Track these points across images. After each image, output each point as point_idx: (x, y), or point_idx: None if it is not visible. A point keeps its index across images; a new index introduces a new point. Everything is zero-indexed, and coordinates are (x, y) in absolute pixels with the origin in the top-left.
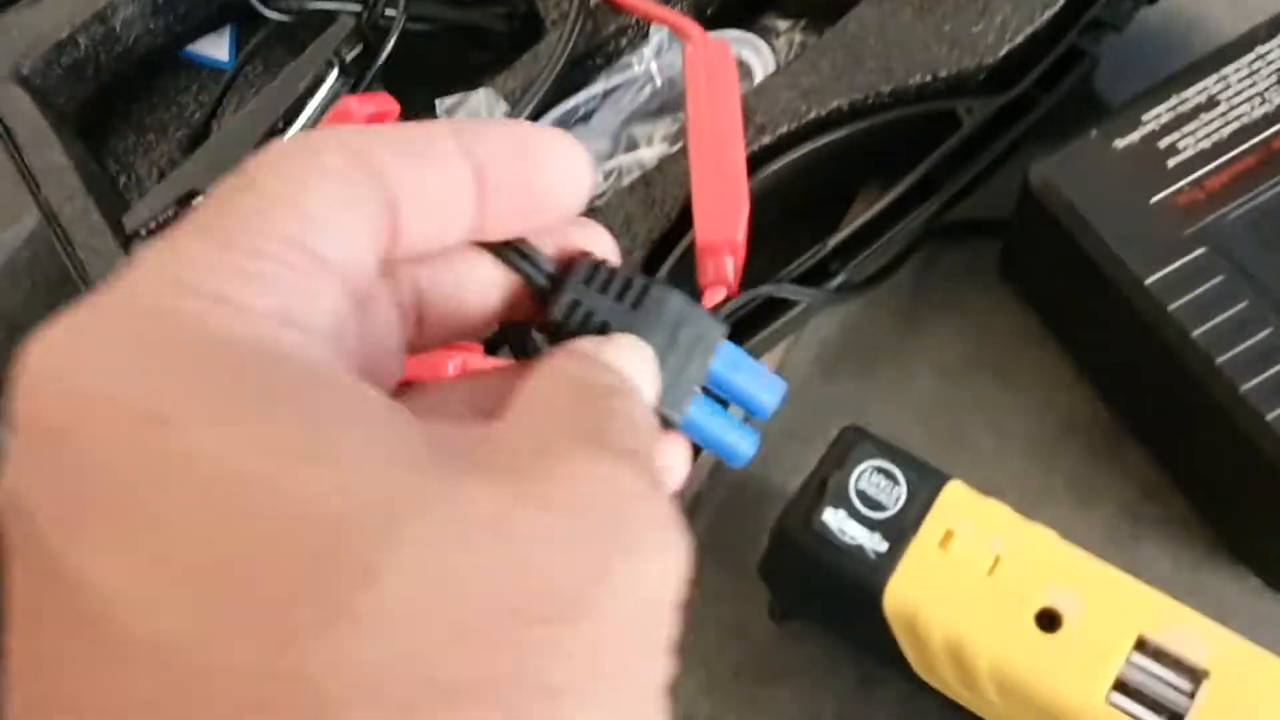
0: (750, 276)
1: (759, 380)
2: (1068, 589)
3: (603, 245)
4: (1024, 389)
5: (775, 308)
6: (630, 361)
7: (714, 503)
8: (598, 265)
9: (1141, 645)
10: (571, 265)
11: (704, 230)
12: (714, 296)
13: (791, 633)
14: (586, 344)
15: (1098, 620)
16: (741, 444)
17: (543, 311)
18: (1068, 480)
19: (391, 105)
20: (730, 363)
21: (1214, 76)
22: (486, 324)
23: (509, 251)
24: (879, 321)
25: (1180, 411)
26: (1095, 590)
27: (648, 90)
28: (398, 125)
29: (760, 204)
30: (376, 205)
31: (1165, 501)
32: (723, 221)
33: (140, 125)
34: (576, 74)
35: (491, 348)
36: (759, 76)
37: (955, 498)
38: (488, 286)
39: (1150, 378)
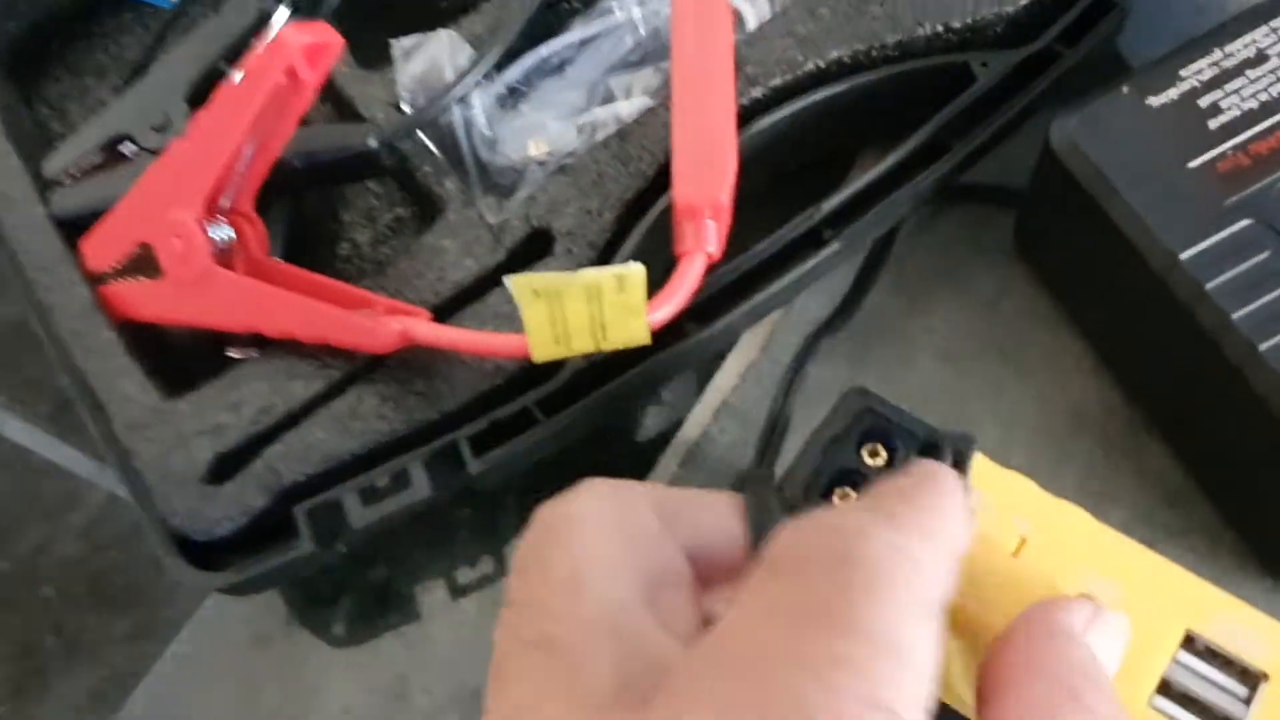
0: (735, 245)
1: None
2: (1105, 576)
3: None
4: (1034, 376)
5: (761, 278)
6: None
7: None
8: None
9: (1190, 643)
10: None
11: (684, 189)
12: (693, 265)
13: None
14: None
15: (1140, 613)
16: None
17: None
18: (1079, 479)
19: (332, 37)
20: None
21: (1263, 29)
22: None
23: None
24: (876, 298)
25: (1213, 405)
26: (1137, 578)
27: (629, 40)
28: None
29: (749, 164)
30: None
31: (1188, 507)
32: (706, 180)
33: (76, 67)
34: (551, 19)
35: (440, 317)
36: (752, 24)
37: (976, 470)
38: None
39: (1180, 366)
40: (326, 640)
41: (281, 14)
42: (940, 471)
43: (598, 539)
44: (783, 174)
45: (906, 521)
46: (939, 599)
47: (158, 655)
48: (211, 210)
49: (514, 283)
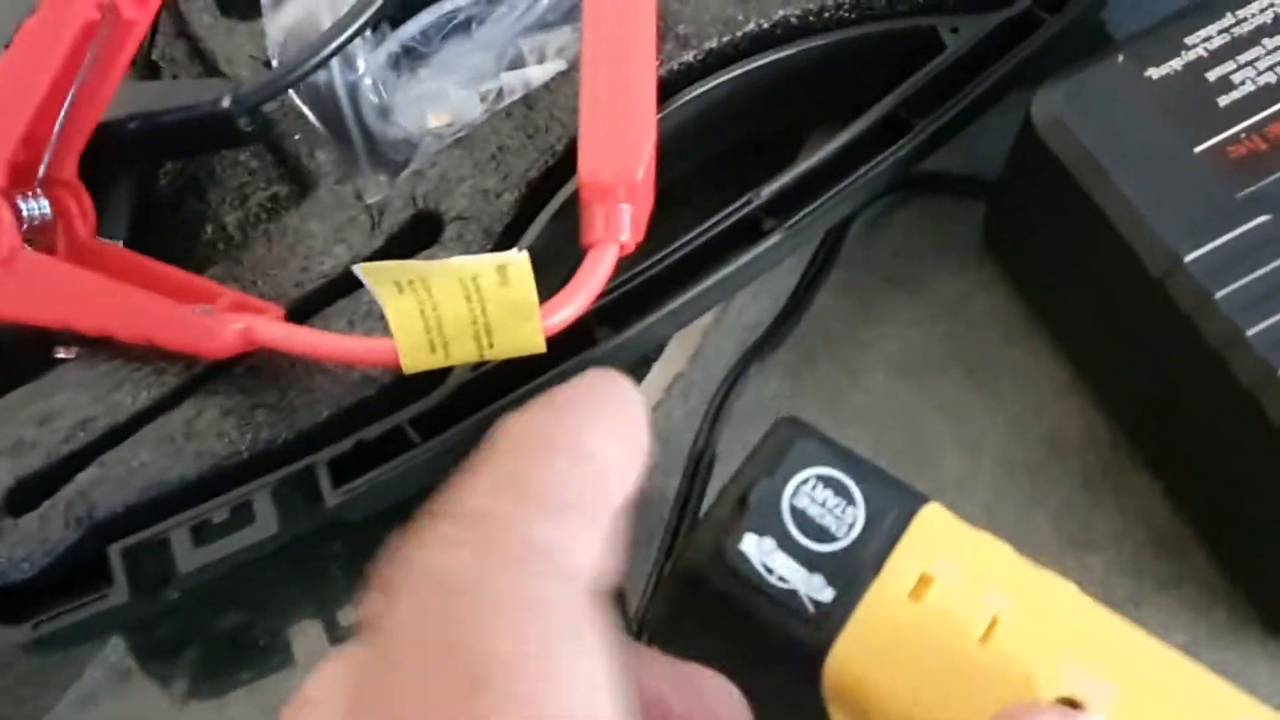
0: (661, 238)
1: None
2: (1095, 671)
3: None
4: (1003, 395)
5: (688, 274)
6: None
7: None
8: None
9: None
10: None
11: (592, 165)
12: (602, 258)
13: None
14: None
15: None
16: None
17: None
18: (1054, 519)
19: None
20: None
21: None
22: None
23: None
24: (821, 299)
25: (1217, 436)
26: (1139, 676)
27: None
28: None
29: (678, 141)
30: None
31: (1180, 553)
32: (618, 154)
33: None
34: None
35: (302, 313)
36: None
37: (935, 529)
38: None
39: (1178, 388)
40: (167, 698)
41: None
42: (594, 397)
43: None
44: (717, 155)
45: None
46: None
47: None
48: (25, 179)
49: (368, 273)
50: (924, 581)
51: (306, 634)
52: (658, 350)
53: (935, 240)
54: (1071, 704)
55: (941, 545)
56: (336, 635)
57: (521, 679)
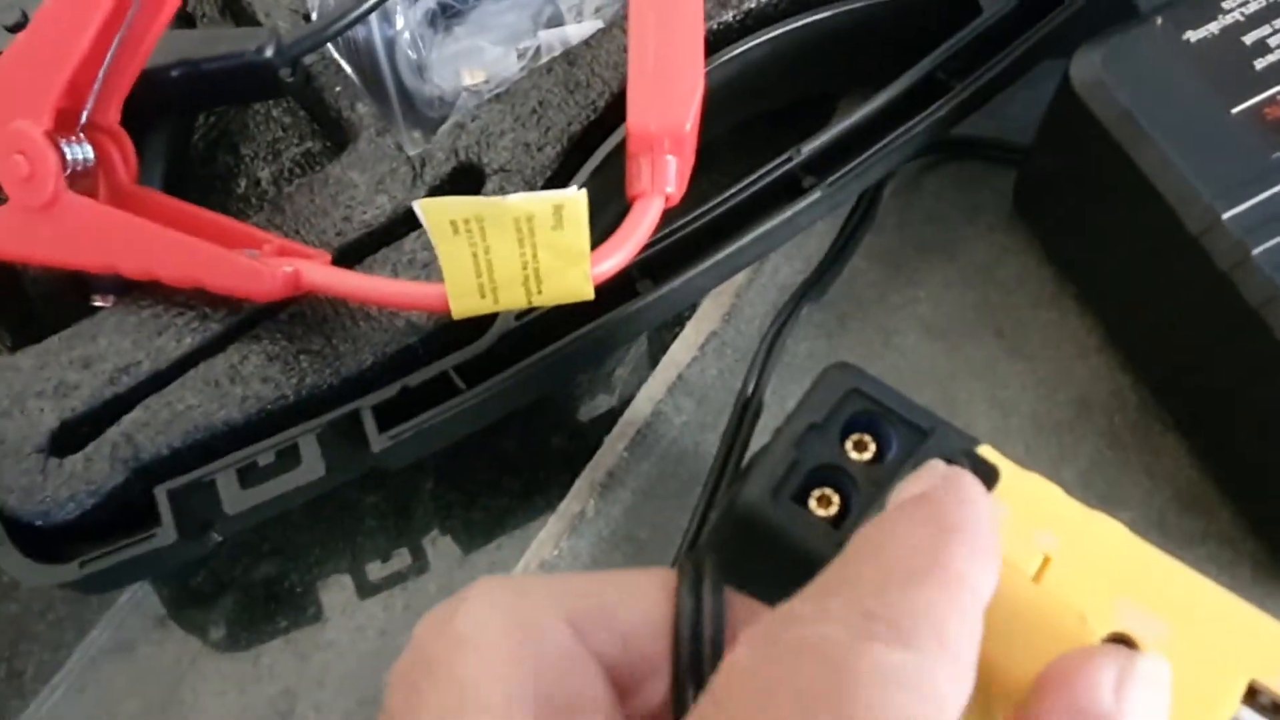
0: (697, 197)
1: None
2: (1147, 609)
3: None
4: (1033, 356)
5: (729, 229)
6: None
7: (633, 484)
8: None
9: (1252, 696)
10: None
11: (640, 117)
12: (648, 209)
13: None
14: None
15: (1192, 656)
16: None
17: None
18: (1082, 476)
19: None
20: None
21: None
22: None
23: None
24: (855, 263)
25: (1248, 395)
26: (1186, 613)
27: None
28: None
29: (715, 102)
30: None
31: (1206, 510)
32: (666, 106)
33: None
34: None
35: (345, 260)
36: None
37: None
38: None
39: (1211, 347)
40: (202, 646)
41: None
42: (961, 512)
43: (490, 670)
44: (752, 118)
45: (915, 629)
46: None
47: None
48: (68, 125)
49: (426, 210)
50: None
51: (340, 584)
52: (692, 308)
53: (966, 206)
54: (1125, 641)
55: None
56: (366, 588)
57: None
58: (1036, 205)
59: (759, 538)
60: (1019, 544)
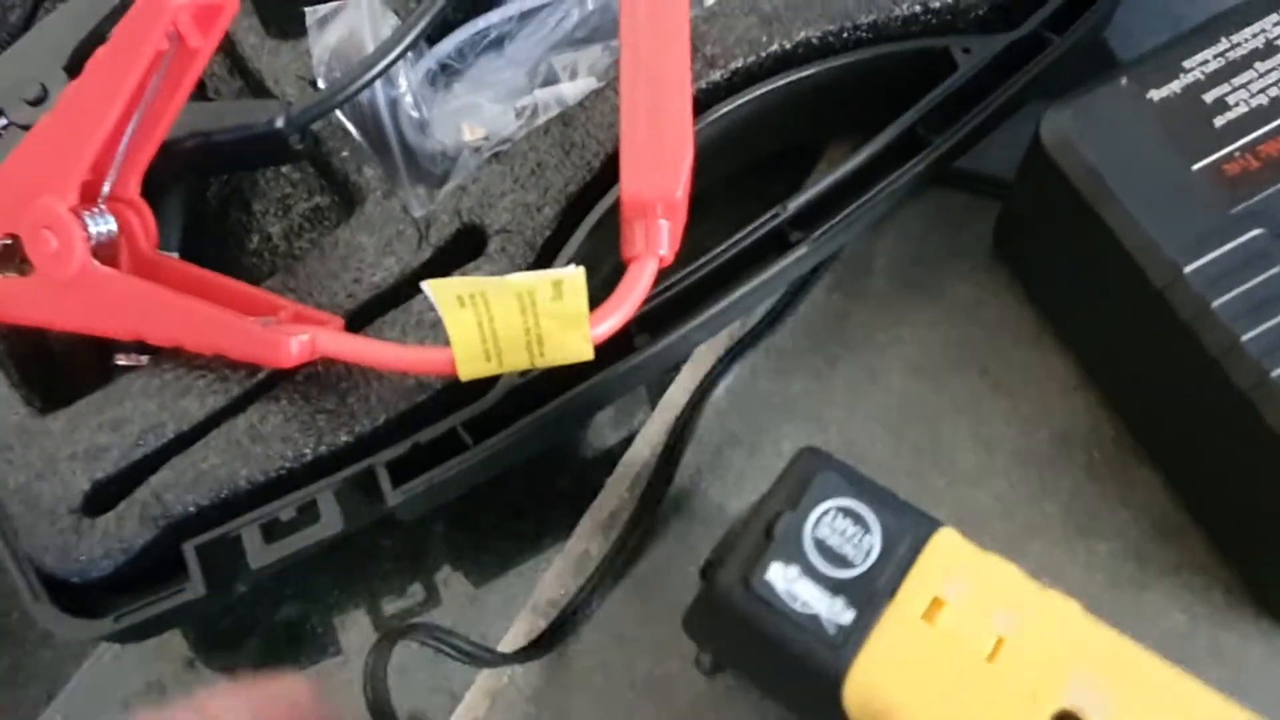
0: (689, 246)
1: None
2: (1096, 685)
3: None
4: (1015, 394)
5: (719, 285)
6: None
7: (635, 527)
8: None
9: None
10: None
11: (633, 183)
12: (643, 271)
13: (723, 690)
14: None
15: None
16: None
17: None
18: (1063, 509)
19: None
20: None
21: (1273, 17)
22: None
23: None
24: (842, 306)
25: (1215, 434)
26: (1134, 689)
27: (575, 14)
28: None
29: (705, 156)
30: None
31: (1180, 540)
32: (658, 174)
33: None
34: None
35: (356, 323)
36: None
37: (947, 553)
38: None
39: (1179, 390)
40: (229, 686)
41: None
42: None
43: None
44: (742, 168)
45: None
46: None
47: (40, 701)
48: (90, 197)
49: (434, 288)
50: (936, 604)
51: (358, 625)
52: (686, 354)
53: (949, 246)
54: (1072, 717)
55: (953, 569)
56: (383, 628)
57: None
58: (1015, 248)
59: (734, 621)
60: (975, 626)
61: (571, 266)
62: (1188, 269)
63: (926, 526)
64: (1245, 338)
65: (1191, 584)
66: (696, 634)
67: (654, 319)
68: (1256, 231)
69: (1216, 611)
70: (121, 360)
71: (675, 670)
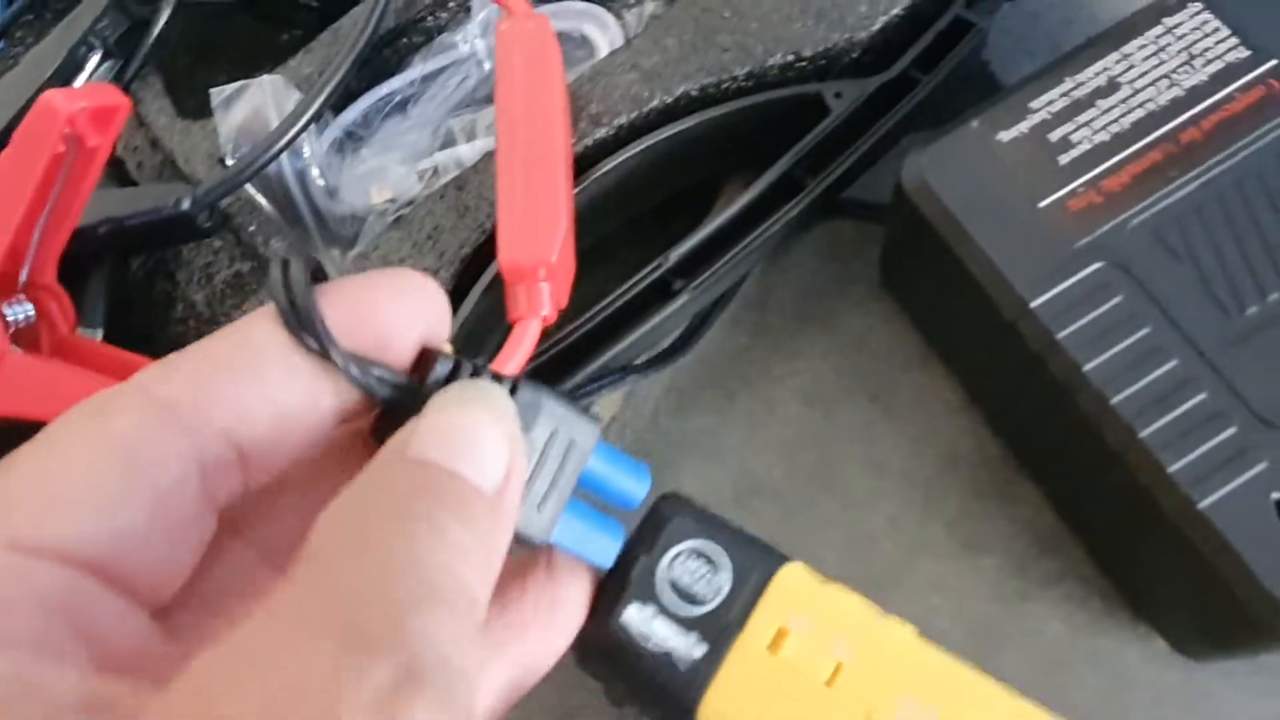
0: (595, 286)
1: (628, 471)
2: (925, 705)
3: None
4: (904, 418)
5: (607, 335)
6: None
7: None
8: (457, 365)
9: None
10: (424, 366)
11: (509, 251)
12: (527, 332)
13: (632, 718)
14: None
15: None
16: (610, 546)
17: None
18: (949, 526)
19: (116, 98)
20: (601, 460)
21: (1114, 55)
22: (321, 441)
23: (349, 366)
24: (739, 341)
25: (1073, 454)
26: (959, 706)
27: (474, 76)
28: (212, 343)
29: (601, 208)
30: (186, 460)
31: (1061, 551)
32: (533, 240)
33: None
34: (390, 56)
35: None
36: (604, 52)
37: (792, 586)
38: (314, 402)
39: (1040, 414)
40: None
41: (93, 61)
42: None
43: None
44: (639, 214)
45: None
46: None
47: None
48: (7, 287)
49: None
50: (781, 635)
51: None
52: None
53: (841, 276)
54: None
55: (797, 601)
56: None
57: None
58: (897, 278)
59: (598, 657)
60: (816, 653)
61: None
62: (1034, 303)
63: (774, 561)
64: (1088, 368)
65: (1071, 594)
66: (588, 669)
67: (545, 372)
68: (1098, 265)
69: (1095, 619)
70: None
71: (584, 701)
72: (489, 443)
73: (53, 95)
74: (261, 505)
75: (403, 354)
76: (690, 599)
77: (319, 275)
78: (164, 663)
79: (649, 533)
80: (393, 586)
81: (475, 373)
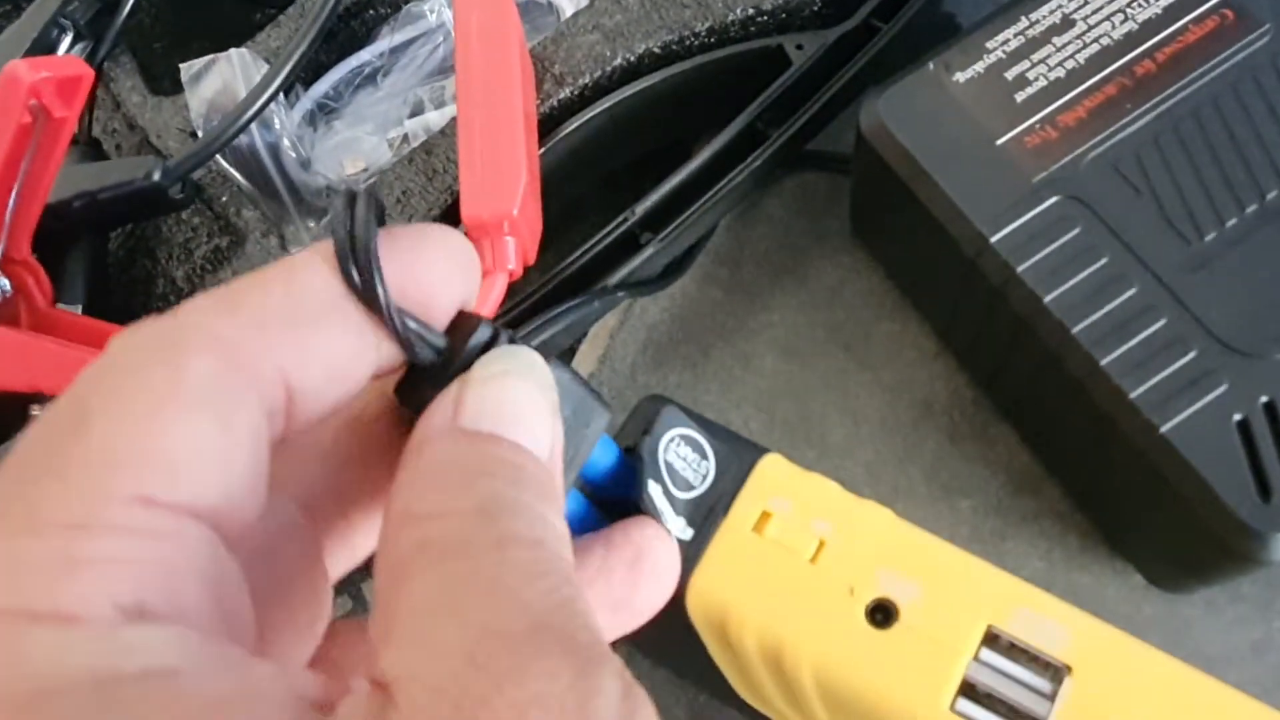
0: (571, 244)
1: (606, 452)
2: (904, 577)
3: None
4: (879, 367)
5: (578, 286)
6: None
7: None
8: (496, 333)
9: (992, 640)
10: (462, 330)
11: (472, 206)
12: (494, 286)
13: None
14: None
15: (940, 612)
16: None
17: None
18: (926, 471)
19: (79, 69)
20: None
21: None
22: (356, 394)
23: (402, 321)
24: (714, 296)
25: (1041, 389)
26: (937, 576)
27: (443, 47)
28: (265, 283)
29: (568, 166)
30: (258, 407)
31: (1036, 490)
32: (494, 194)
33: None
34: (358, 28)
35: None
36: (569, 12)
37: (773, 474)
38: (359, 354)
39: (1006, 350)
40: None
41: (66, 42)
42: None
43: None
44: (609, 173)
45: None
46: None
47: None
48: None
49: None
50: (764, 517)
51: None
52: (571, 352)
53: (813, 230)
54: (884, 604)
55: (778, 487)
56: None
57: None
58: (866, 229)
59: None
60: (798, 533)
61: None
62: (994, 238)
63: (755, 452)
64: (1048, 299)
65: (1049, 531)
66: None
67: (515, 327)
68: (1055, 198)
69: (1072, 555)
70: (36, 411)
71: None
72: (541, 414)
73: (16, 65)
74: (289, 454)
75: (442, 315)
76: (682, 484)
77: (381, 218)
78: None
79: (641, 422)
80: (540, 584)
81: (511, 341)
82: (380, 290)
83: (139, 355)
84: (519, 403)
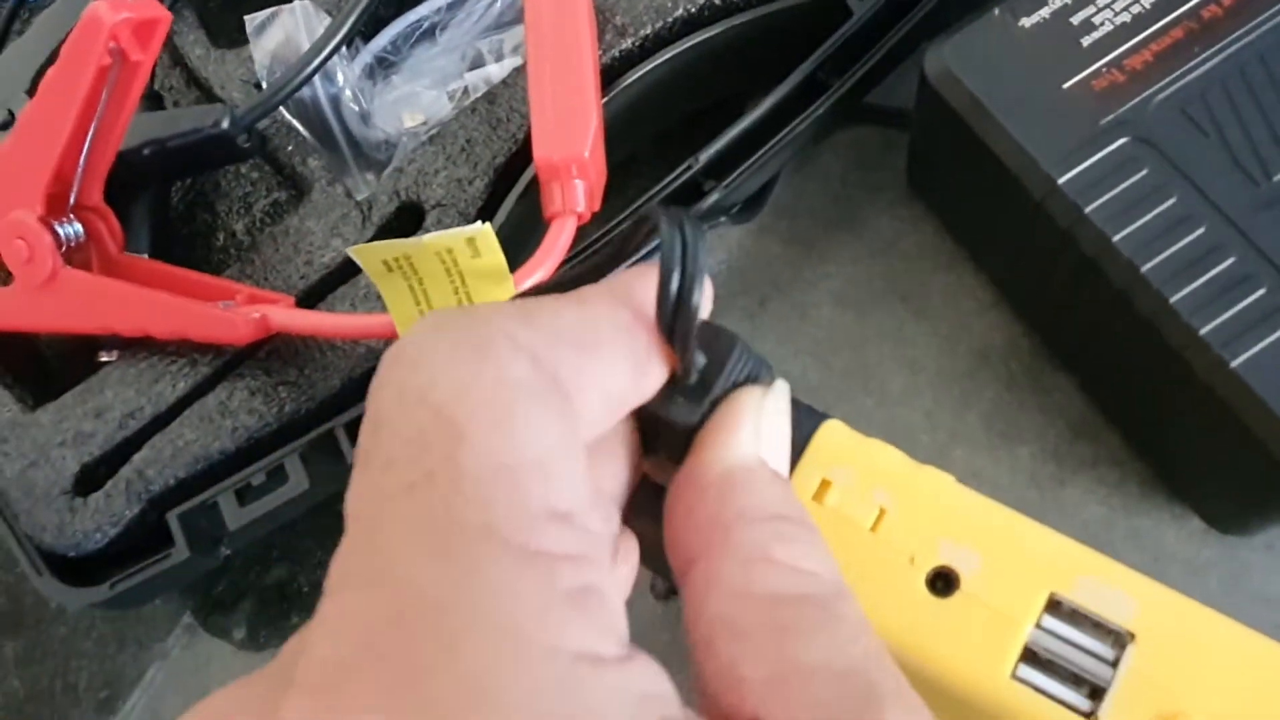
0: (628, 199)
1: None
2: (966, 545)
3: None
4: (935, 317)
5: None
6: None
7: None
8: (758, 362)
9: (1054, 607)
10: (717, 349)
11: (545, 149)
12: (563, 228)
13: (675, 613)
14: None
15: (1001, 579)
16: None
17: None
18: (984, 418)
19: (157, 10)
20: None
21: None
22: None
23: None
24: (770, 249)
25: (1106, 332)
26: (998, 544)
27: (500, 1)
28: (556, 306)
29: (629, 119)
30: (569, 415)
31: (1095, 437)
32: (567, 137)
33: None
34: None
35: (309, 301)
36: None
37: (833, 441)
38: (638, 387)
39: (1069, 295)
40: (227, 646)
41: None
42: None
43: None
44: (666, 128)
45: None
46: None
47: (54, 674)
48: (58, 207)
49: (359, 254)
50: (824, 485)
51: None
52: None
53: (869, 183)
54: (946, 574)
55: (838, 455)
56: None
57: None
58: (925, 179)
59: None
60: (859, 501)
61: (479, 223)
62: (1062, 179)
63: (815, 419)
64: (1117, 238)
65: (1107, 478)
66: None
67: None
68: (1123, 140)
69: (1132, 501)
70: (104, 357)
71: (630, 597)
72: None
73: (97, 6)
74: None
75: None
76: None
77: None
78: None
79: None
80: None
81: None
82: (689, 345)
83: (472, 374)
84: (783, 442)
